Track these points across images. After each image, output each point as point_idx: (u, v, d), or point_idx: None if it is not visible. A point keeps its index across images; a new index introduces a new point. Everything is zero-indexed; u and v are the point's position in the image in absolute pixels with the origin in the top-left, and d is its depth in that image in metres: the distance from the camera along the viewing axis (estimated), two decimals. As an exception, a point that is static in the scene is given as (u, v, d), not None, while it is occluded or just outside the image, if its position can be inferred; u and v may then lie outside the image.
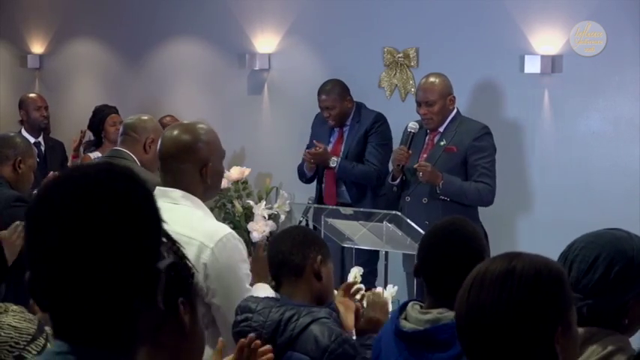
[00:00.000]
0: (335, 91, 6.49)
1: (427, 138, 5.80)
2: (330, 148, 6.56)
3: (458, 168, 5.63)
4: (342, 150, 6.51)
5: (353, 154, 6.44)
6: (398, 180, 5.76)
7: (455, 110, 5.78)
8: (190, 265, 1.59)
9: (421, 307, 2.85)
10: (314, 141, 6.53)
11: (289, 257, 3.12)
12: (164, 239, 1.52)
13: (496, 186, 5.70)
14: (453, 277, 2.72)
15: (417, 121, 5.79)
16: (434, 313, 2.76)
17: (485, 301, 1.90)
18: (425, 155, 5.73)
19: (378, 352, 2.98)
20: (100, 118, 7.41)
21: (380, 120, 6.47)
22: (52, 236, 1.41)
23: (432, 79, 5.76)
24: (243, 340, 2.80)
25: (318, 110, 6.71)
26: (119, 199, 1.43)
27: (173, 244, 1.56)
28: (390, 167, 6.36)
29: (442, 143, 5.71)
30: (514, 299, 1.89)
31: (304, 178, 6.67)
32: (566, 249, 2.49)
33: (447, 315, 2.69)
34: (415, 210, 5.57)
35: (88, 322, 1.43)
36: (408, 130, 5.75)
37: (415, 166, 5.59)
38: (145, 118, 4.83)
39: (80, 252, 1.40)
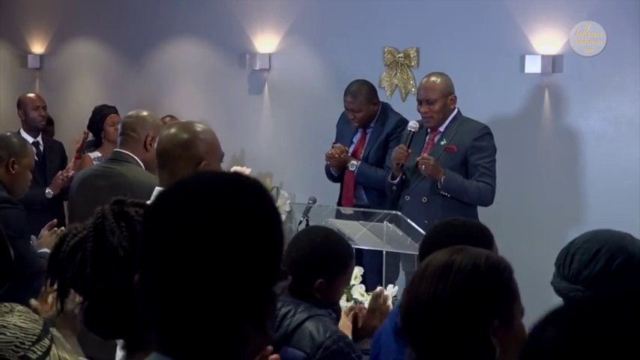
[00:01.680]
0: (361, 94, 6.30)
1: (427, 137, 5.79)
2: (352, 148, 6.44)
3: (458, 168, 5.63)
4: (363, 153, 6.38)
5: (373, 158, 6.29)
6: (397, 179, 5.76)
7: (456, 110, 5.77)
8: None
9: None
10: (333, 144, 6.41)
11: (296, 273, 3.07)
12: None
13: (496, 186, 5.70)
14: None
15: (417, 121, 5.79)
16: None
17: (424, 293, 1.94)
18: (425, 155, 5.72)
19: (378, 350, 2.98)
20: (99, 118, 7.42)
21: (401, 125, 6.25)
22: (168, 245, 1.34)
23: (433, 78, 5.76)
24: None
25: (319, 110, 6.70)
26: (244, 214, 1.35)
27: None
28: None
29: (443, 143, 5.70)
30: (450, 292, 1.92)
31: (331, 177, 6.52)
32: (568, 244, 2.52)
33: None
34: (415, 209, 5.56)
35: (194, 338, 1.35)
36: (408, 129, 5.74)
37: (418, 159, 5.58)
38: (144, 114, 4.74)
39: (195, 265, 1.32)
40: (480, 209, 5.83)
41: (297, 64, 7.68)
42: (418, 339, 1.96)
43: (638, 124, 6.07)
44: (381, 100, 6.73)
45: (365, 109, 6.31)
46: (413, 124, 5.74)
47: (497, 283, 1.96)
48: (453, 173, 5.56)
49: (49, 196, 6.83)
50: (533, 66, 6.32)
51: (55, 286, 1.91)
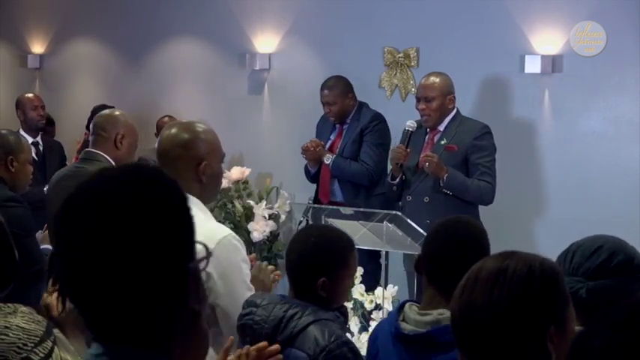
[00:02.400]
0: (337, 88, 6.52)
1: (427, 137, 5.80)
2: (328, 144, 6.59)
3: (458, 167, 5.64)
4: (339, 147, 6.54)
5: (348, 152, 6.46)
6: (398, 179, 5.76)
7: (455, 110, 5.79)
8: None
9: (419, 307, 2.84)
10: (326, 139, 6.59)
11: (296, 275, 3.08)
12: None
13: (496, 185, 5.71)
14: (457, 272, 2.74)
15: (415, 120, 5.80)
16: (434, 314, 2.75)
17: (478, 300, 1.91)
18: (429, 152, 5.71)
19: (375, 352, 2.97)
20: None
21: (376, 119, 6.47)
22: (79, 237, 1.43)
23: (433, 77, 5.79)
24: (248, 347, 2.82)
25: (320, 110, 6.71)
26: (145, 199, 1.45)
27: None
28: (389, 167, 6.37)
29: (443, 142, 5.71)
30: (506, 297, 1.90)
31: (309, 176, 6.70)
32: (569, 246, 2.54)
33: (448, 316, 2.68)
34: (417, 209, 5.57)
35: (119, 321, 1.44)
36: (406, 128, 5.76)
37: (421, 156, 5.58)
38: (115, 113, 4.77)
39: (105, 252, 1.41)
40: (481, 209, 5.83)
41: (297, 64, 7.68)
42: (472, 345, 1.93)
43: (638, 124, 6.07)
44: (381, 100, 6.75)
45: (340, 103, 6.49)
46: (410, 124, 5.76)
47: (553, 287, 1.94)
48: (455, 171, 5.57)
49: None
50: (533, 66, 6.32)
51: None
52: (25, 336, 2.08)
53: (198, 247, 1.54)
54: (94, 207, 1.44)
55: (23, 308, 2.23)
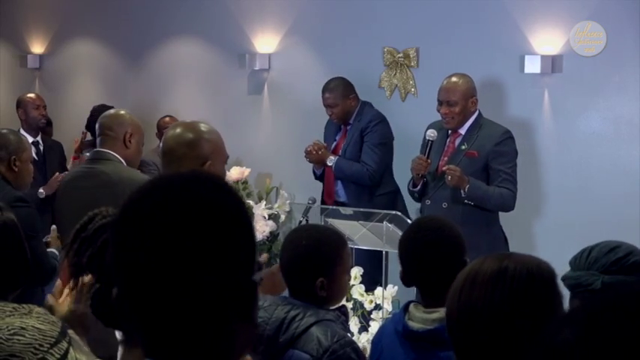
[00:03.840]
0: (338, 90, 6.54)
1: (448, 140, 5.70)
2: (333, 145, 6.64)
3: (479, 173, 5.54)
4: (342, 148, 6.57)
5: (350, 153, 6.49)
6: (419, 187, 5.71)
7: (477, 112, 5.68)
8: None
9: (424, 306, 2.87)
10: (332, 140, 6.63)
11: (293, 278, 3.08)
12: None
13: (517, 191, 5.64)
14: (439, 276, 2.77)
15: (433, 128, 5.70)
16: (441, 312, 2.76)
17: (477, 301, 1.92)
18: (446, 158, 5.64)
19: (379, 353, 2.98)
20: (97, 118, 7.36)
21: (376, 119, 6.48)
22: (140, 251, 1.33)
23: (454, 79, 5.66)
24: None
25: (318, 110, 6.73)
26: (210, 209, 1.35)
27: None
28: (384, 167, 6.40)
29: (463, 147, 5.61)
30: (506, 299, 1.90)
31: (316, 177, 6.76)
32: (584, 247, 2.61)
33: None
34: (435, 214, 5.54)
35: (182, 340, 1.34)
36: (427, 138, 5.65)
37: (444, 168, 5.48)
38: (121, 112, 4.74)
39: (175, 269, 1.31)
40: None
41: (296, 65, 7.68)
42: (470, 348, 1.93)
43: (637, 124, 6.07)
44: (381, 100, 6.75)
45: (341, 104, 6.52)
46: (431, 133, 5.65)
47: (552, 288, 1.96)
48: (476, 181, 5.47)
49: (41, 196, 6.78)
50: (532, 66, 6.32)
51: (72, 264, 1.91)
52: (41, 337, 2.07)
53: None
54: (160, 215, 1.33)
55: (38, 309, 2.23)
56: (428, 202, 5.68)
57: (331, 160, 6.47)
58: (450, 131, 5.70)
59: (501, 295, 1.90)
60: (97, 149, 4.48)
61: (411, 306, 2.88)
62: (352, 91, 6.57)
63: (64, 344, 2.09)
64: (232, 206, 1.38)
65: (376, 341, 3.07)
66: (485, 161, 5.55)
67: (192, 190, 1.37)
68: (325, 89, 6.59)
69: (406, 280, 2.96)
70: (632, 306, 1.01)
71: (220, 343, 1.35)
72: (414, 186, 5.74)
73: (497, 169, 5.53)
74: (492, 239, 5.50)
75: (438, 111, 5.66)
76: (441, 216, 3.03)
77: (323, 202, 6.64)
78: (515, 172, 5.59)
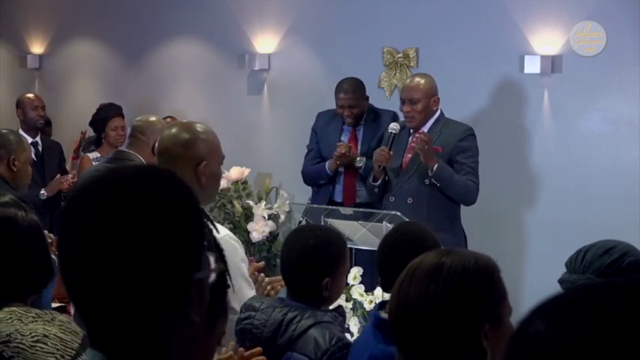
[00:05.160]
0: (357, 91, 6.41)
1: (410, 138, 5.80)
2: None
3: None
4: (360, 149, 6.43)
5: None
6: (379, 181, 5.77)
7: (439, 112, 5.79)
8: (229, 283, 1.51)
9: None
10: (337, 142, 6.40)
11: (298, 279, 3.08)
12: (212, 250, 1.44)
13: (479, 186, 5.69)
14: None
15: (397, 122, 5.84)
16: None
17: (414, 296, 1.94)
18: (409, 155, 5.74)
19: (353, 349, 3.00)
20: (103, 118, 7.35)
21: (396, 118, 6.40)
22: (79, 242, 1.36)
23: (417, 79, 5.81)
24: (242, 350, 2.83)
25: (319, 110, 6.69)
26: (153, 201, 1.37)
27: (221, 256, 1.47)
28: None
29: None
30: (440, 294, 1.92)
31: (324, 179, 6.50)
32: (580, 247, 2.58)
33: None
34: (400, 210, 5.55)
35: (119, 331, 1.37)
36: (389, 130, 5.77)
37: (415, 136, 5.56)
38: (153, 119, 4.75)
39: (105, 253, 1.34)
40: (481, 209, 5.84)
41: (296, 65, 7.68)
42: (407, 342, 1.95)
43: (637, 124, 6.07)
44: (380, 100, 6.74)
45: (360, 105, 6.44)
46: (394, 126, 5.78)
47: (488, 285, 1.96)
48: (444, 163, 5.57)
49: (43, 197, 6.74)
50: (532, 66, 6.32)
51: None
52: (62, 347, 2.06)
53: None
54: (98, 206, 1.37)
55: (61, 317, 2.22)
56: (392, 198, 5.73)
57: (361, 161, 6.31)
58: (412, 129, 5.79)
59: (435, 291, 1.92)
60: (121, 149, 4.47)
61: (388, 303, 2.90)
62: (366, 92, 6.53)
63: (84, 357, 2.09)
64: (172, 203, 1.39)
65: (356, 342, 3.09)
66: (449, 157, 5.65)
67: (129, 186, 1.39)
68: (341, 90, 6.43)
69: (385, 286, 3.00)
70: (602, 297, 1.02)
71: (155, 338, 1.37)
72: (375, 180, 5.77)
73: (462, 162, 5.64)
74: (454, 235, 5.59)
75: (401, 110, 5.78)
76: (419, 222, 3.06)
77: (330, 202, 6.48)
78: (477, 167, 5.69)
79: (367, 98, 6.50)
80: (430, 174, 5.54)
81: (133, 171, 1.44)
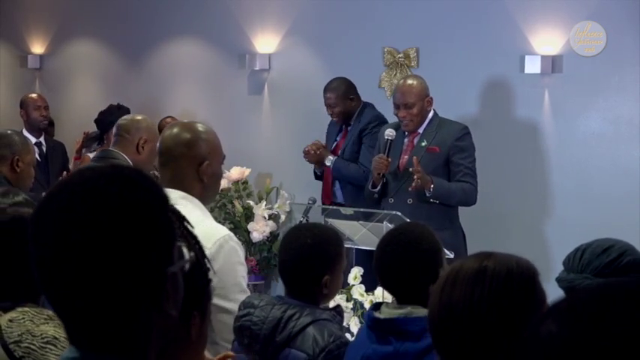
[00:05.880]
0: (339, 90, 6.55)
1: (406, 140, 5.80)
2: (333, 145, 6.65)
3: (441, 168, 5.66)
4: (341, 148, 6.58)
5: (349, 154, 6.50)
6: (379, 187, 5.78)
7: (432, 111, 5.79)
8: (209, 267, 1.54)
9: (396, 303, 2.91)
10: (333, 141, 6.65)
11: (297, 277, 3.09)
12: (186, 239, 1.47)
13: (478, 185, 5.71)
14: (411, 281, 2.80)
15: (391, 128, 5.81)
16: (408, 308, 2.81)
17: (458, 300, 1.94)
18: (406, 157, 5.73)
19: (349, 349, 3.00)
20: (109, 121, 7.32)
21: (375, 121, 6.46)
22: (50, 244, 1.38)
23: (409, 82, 5.79)
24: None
25: (318, 110, 6.73)
26: (121, 201, 1.39)
27: (196, 243, 1.51)
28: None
29: (423, 144, 5.72)
30: (486, 298, 1.92)
31: (316, 175, 6.80)
32: (579, 246, 2.58)
33: (420, 310, 2.75)
34: (400, 212, 5.56)
35: (95, 328, 1.39)
36: (385, 137, 5.76)
37: (411, 169, 5.54)
38: (139, 118, 4.78)
39: (77, 254, 1.36)
40: (481, 209, 5.84)
41: (296, 65, 7.68)
42: (450, 346, 1.95)
43: (637, 124, 6.07)
44: (381, 100, 6.74)
45: (341, 105, 6.55)
46: (390, 133, 5.76)
47: (531, 287, 1.97)
48: (439, 180, 5.58)
49: None
50: (532, 66, 6.32)
51: None
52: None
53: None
54: (68, 208, 1.38)
55: None
56: (391, 200, 5.74)
57: (329, 160, 6.49)
58: (406, 132, 5.80)
59: (481, 295, 1.93)
60: (107, 148, 4.49)
61: (384, 304, 2.91)
62: (353, 92, 6.58)
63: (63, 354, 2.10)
64: (139, 201, 1.40)
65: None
66: (446, 156, 5.67)
67: (96, 187, 1.40)
68: (326, 89, 6.61)
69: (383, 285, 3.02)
70: (613, 298, 1.03)
71: (132, 332, 1.39)
72: (374, 186, 5.78)
73: (459, 163, 5.65)
74: (454, 234, 5.62)
75: (395, 115, 5.76)
76: (424, 224, 3.07)
77: (323, 202, 6.66)
78: (474, 166, 5.71)
79: (353, 99, 6.55)
80: (428, 195, 5.55)
81: (100, 172, 1.45)
